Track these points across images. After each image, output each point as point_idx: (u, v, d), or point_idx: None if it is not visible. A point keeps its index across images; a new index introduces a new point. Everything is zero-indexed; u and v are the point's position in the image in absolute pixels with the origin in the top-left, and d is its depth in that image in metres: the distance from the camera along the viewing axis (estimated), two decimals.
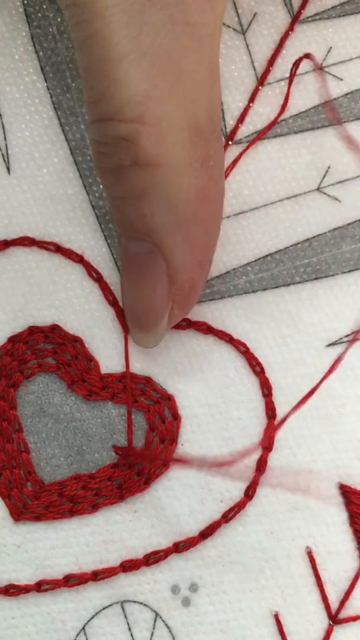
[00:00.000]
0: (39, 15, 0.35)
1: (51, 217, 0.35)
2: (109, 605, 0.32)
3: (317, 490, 0.33)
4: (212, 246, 0.32)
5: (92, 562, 0.33)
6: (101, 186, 0.35)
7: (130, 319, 0.33)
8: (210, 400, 0.34)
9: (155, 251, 0.30)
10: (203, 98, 0.29)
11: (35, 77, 0.35)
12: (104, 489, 0.33)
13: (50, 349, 0.34)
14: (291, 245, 0.35)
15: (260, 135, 0.35)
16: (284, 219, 0.35)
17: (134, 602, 0.32)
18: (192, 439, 0.33)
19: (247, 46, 0.36)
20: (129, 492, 0.33)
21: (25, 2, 0.35)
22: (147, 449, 0.32)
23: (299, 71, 0.35)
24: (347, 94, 0.36)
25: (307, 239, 0.35)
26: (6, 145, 0.35)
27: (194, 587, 0.33)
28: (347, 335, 0.34)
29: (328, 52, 0.36)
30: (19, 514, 0.33)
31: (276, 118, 0.35)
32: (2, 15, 0.35)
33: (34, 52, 0.35)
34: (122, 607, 0.32)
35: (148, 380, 0.34)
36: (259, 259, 0.35)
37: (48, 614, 0.32)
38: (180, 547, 0.33)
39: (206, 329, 0.34)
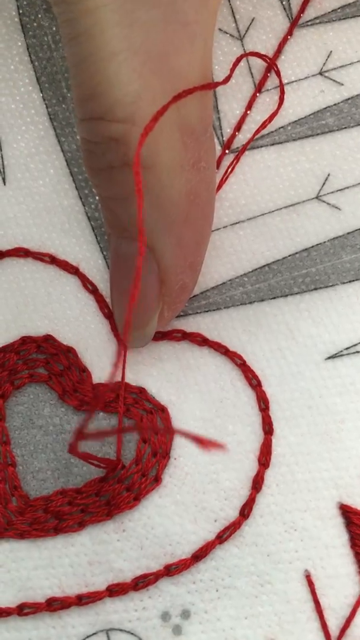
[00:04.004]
0: (35, 25, 0.35)
1: (46, 229, 0.34)
2: (94, 634, 0.30)
3: (316, 510, 0.31)
4: (203, 248, 0.31)
5: (76, 585, 0.31)
6: (97, 197, 0.34)
7: (119, 319, 0.32)
8: (205, 414, 0.32)
9: (146, 252, 0.29)
10: (195, 98, 0.28)
11: (31, 88, 0.35)
12: (90, 505, 0.31)
13: (43, 359, 0.33)
14: (289, 255, 0.34)
15: (251, 139, 0.34)
16: (282, 229, 0.34)
17: (121, 630, 0.31)
18: (185, 454, 0.32)
19: (245, 52, 0.35)
20: (117, 508, 0.31)
21: (21, 11, 0.35)
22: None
23: (298, 77, 0.34)
24: (348, 99, 0.35)
25: (306, 249, 0.34)
26: (1, 156, 0.35)
27: (185, 614, 0.31)
28: (347, 348, 0.33)
29: (328, 56, 0.35)
30: (3, 531, 0.31)
31: (265, 122, 0.34)
32: None
33: (29, 63, 0.35)
34: (108, 636, 0.31)
35: (141, 391, 0.33)
36: (256, 269, 0.34)
37: None
38: (172, 570, 0.31)
39: (201, 341, 0.33)
